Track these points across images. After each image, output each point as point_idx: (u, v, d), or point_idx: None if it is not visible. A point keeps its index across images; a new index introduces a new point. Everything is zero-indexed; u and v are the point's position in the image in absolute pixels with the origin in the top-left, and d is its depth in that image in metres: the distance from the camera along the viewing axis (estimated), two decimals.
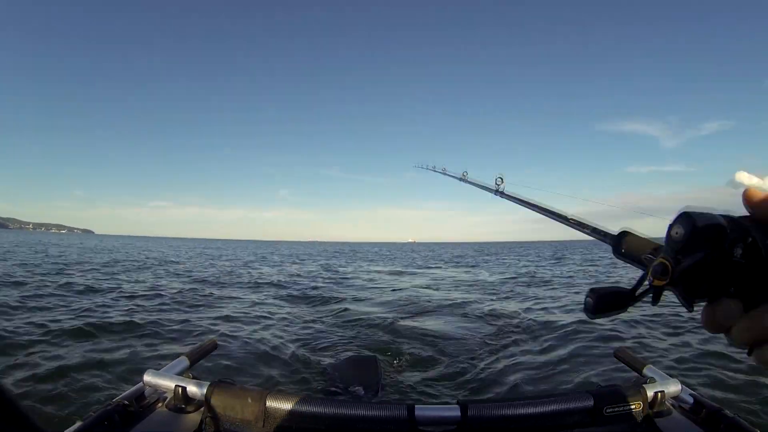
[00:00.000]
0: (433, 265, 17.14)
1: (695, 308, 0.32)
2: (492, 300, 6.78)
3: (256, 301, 6.30)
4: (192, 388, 1.01)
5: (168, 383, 1.04)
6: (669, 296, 0.34)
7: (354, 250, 42.86)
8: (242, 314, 5.09)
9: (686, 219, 0.30)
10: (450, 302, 6.50)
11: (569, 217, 0.66)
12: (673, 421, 1.03)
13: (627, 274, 11.32)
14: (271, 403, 0.93)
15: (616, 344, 3.40)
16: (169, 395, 1.05)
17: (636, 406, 0.99)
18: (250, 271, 12.51)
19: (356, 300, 6.73)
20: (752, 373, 2.86)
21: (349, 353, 3.53)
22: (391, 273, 13.12)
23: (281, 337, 3.99)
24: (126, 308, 5.22)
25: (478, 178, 1.58)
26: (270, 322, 4.74)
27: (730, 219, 0.31)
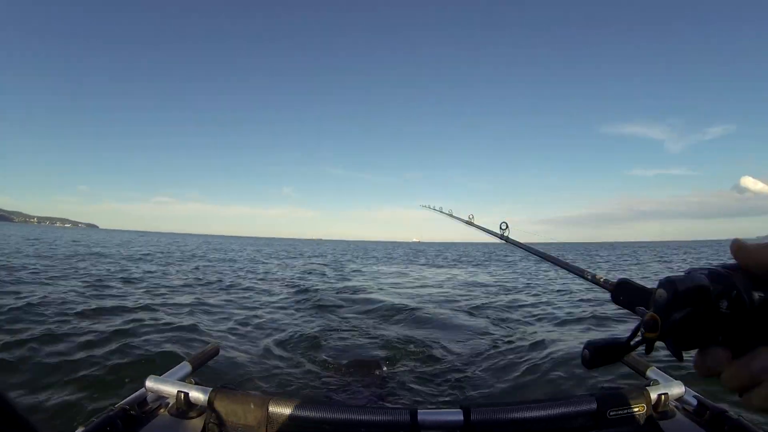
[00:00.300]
0: (439, 264, 17.13)
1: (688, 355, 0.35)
2: (495, 300, 6.77)
3: (259, 303, 6.29)
4: (194, 394, 1.02)
5: (170, 389, 1.04)
6: None
7: (359, 249, 42.84)
8: (244, 317, 5.08)
9: (668, 284, 0.33)
10: (454, 302, 6.49)
11: (571, 265, 0.70)
12: (677, 423, 1.03)
13: (627, 271, 11.28)
14: (274, 409, 0.93)
15: None
16: (172, 401, 1.05)
17: (639, 409, 0.99)
18: (253, 269, 12.49)
19: (361, 301, 6.71)
20: None
21: (352, 356, 3.52)
22: (396, 272, 13.12)
23: (283, 341, 3.98)
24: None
25: (483, 223, 1.65)
26: (272, 325, 4.73)
27: (716, 274, 0.34)
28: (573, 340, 4.01)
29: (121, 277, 8.37)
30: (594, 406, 0.96)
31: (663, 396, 1.03)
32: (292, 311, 5.79)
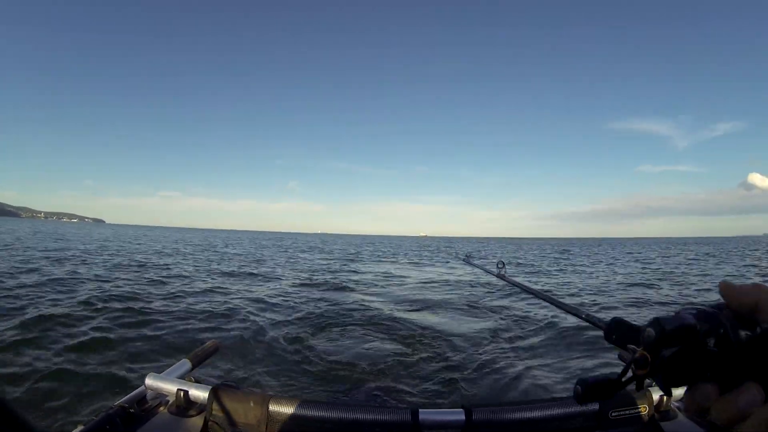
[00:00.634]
0: (445, 260, 17.12)
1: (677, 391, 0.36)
2: (499, 298, 6.75)
3: (260, 298, 6.27)
4: (194, 392, 1.01)
5: (170, 387, 1.03)
6: None
7: (366, 243, 42.72)
8: (246, 314, 5.07)
9: (656, 324, 0.35)
10: (457, 300, 6.48)
11: (566, 304, 0.72)
12: (678, 423, 1.02)
13: (625, 271, 11.34)
14: (274, 407, 0.93)
15: None
16: (171, 399, 1.04)
17: (641, 409, 0.98)
18: (256, 265, 12.47)
19: (366, 297, 6.71)
20: None
21: (354, 354, 3.52)
22: (404, 268, 13.12)
23: (284, 339, 3.98)
24: None
25: (479, 262, 1.68)
26: (274, 322, 4.72)
27: (704, 313, 0.36)
28: (575, 339, 4.01)
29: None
30: (596, 406, 0.96)
31: (665, 397, 1.03)
32: (295, 306, 5.78)
